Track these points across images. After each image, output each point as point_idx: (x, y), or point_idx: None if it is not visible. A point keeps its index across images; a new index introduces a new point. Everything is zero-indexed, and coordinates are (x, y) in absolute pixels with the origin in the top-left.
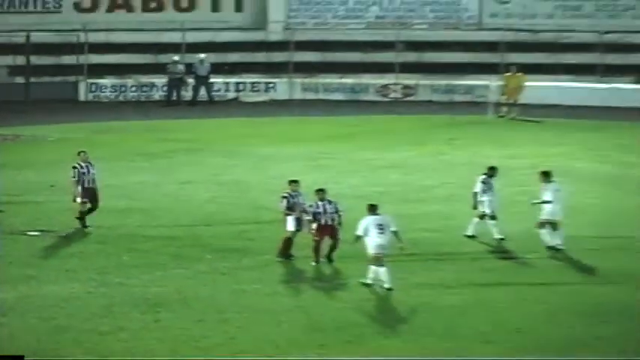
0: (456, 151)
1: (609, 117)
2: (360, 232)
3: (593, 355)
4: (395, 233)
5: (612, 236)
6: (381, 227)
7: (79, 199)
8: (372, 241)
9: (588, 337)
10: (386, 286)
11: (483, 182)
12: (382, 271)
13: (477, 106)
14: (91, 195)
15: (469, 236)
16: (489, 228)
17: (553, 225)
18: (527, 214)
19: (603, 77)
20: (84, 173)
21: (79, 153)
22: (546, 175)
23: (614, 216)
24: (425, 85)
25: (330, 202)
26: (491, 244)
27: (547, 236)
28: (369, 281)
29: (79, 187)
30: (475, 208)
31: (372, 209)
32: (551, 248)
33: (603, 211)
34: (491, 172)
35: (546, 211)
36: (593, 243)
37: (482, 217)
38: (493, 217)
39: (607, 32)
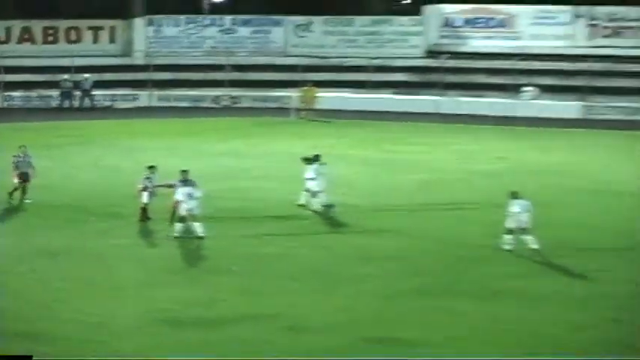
0: (269, 143)
1: (377, 118)
2: (179, 197)
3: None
4: (198, 199)
5: (380, 204)
6: (190, 195)
7: (15, 180)
8: (184, 205)
9: (371, 273)
10: (200, 235)
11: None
12: (197, 225)
13: (283, 111)
14: (23, 176)
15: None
16: (311, 199)
17: (319, 194)
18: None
19: (372, 90)
20: (20, 161)
21: (19, 147)
22: (308, 160)
23: (382, 189)
24: (247, 95)
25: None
26: (299, 209)
27: (315, 204)
28: (176, 234)
29: (15, 172)
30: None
31: (185, 182)
32: (325, 208)
33: (374, 186)
34: (316, 158)
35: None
36: (367, 209)
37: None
38: (308, 190)
39: (375, 58)
